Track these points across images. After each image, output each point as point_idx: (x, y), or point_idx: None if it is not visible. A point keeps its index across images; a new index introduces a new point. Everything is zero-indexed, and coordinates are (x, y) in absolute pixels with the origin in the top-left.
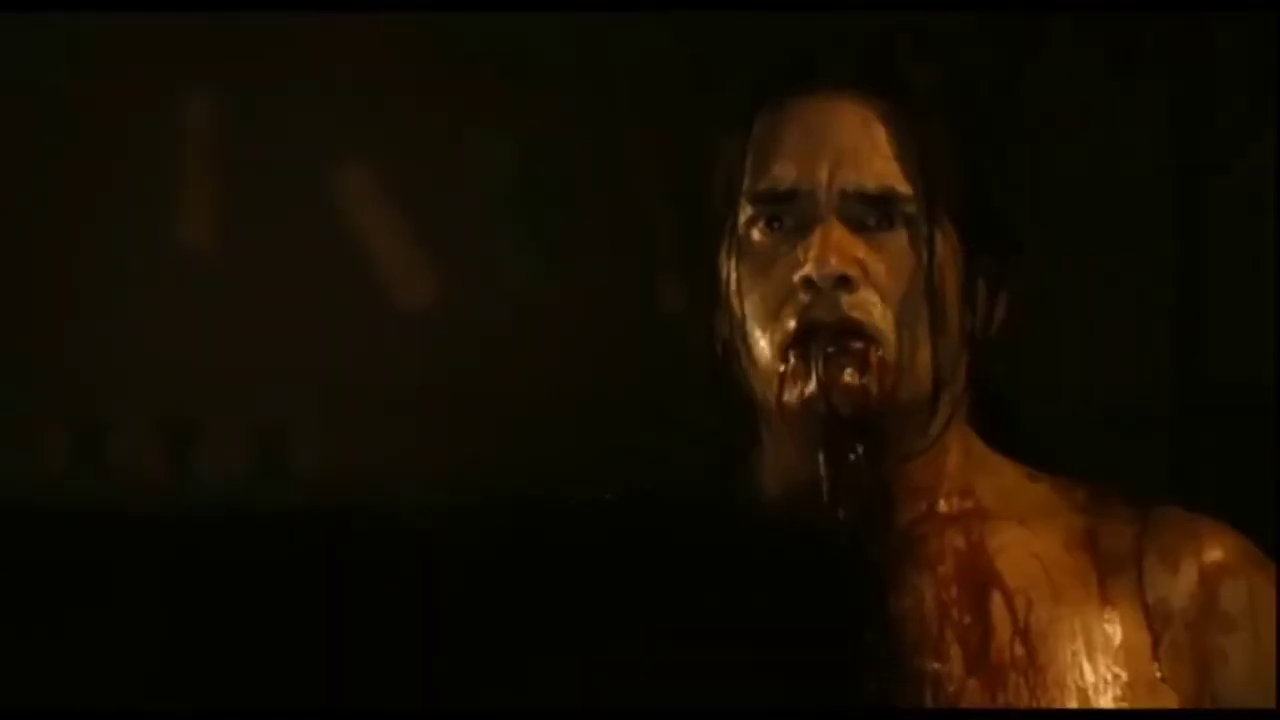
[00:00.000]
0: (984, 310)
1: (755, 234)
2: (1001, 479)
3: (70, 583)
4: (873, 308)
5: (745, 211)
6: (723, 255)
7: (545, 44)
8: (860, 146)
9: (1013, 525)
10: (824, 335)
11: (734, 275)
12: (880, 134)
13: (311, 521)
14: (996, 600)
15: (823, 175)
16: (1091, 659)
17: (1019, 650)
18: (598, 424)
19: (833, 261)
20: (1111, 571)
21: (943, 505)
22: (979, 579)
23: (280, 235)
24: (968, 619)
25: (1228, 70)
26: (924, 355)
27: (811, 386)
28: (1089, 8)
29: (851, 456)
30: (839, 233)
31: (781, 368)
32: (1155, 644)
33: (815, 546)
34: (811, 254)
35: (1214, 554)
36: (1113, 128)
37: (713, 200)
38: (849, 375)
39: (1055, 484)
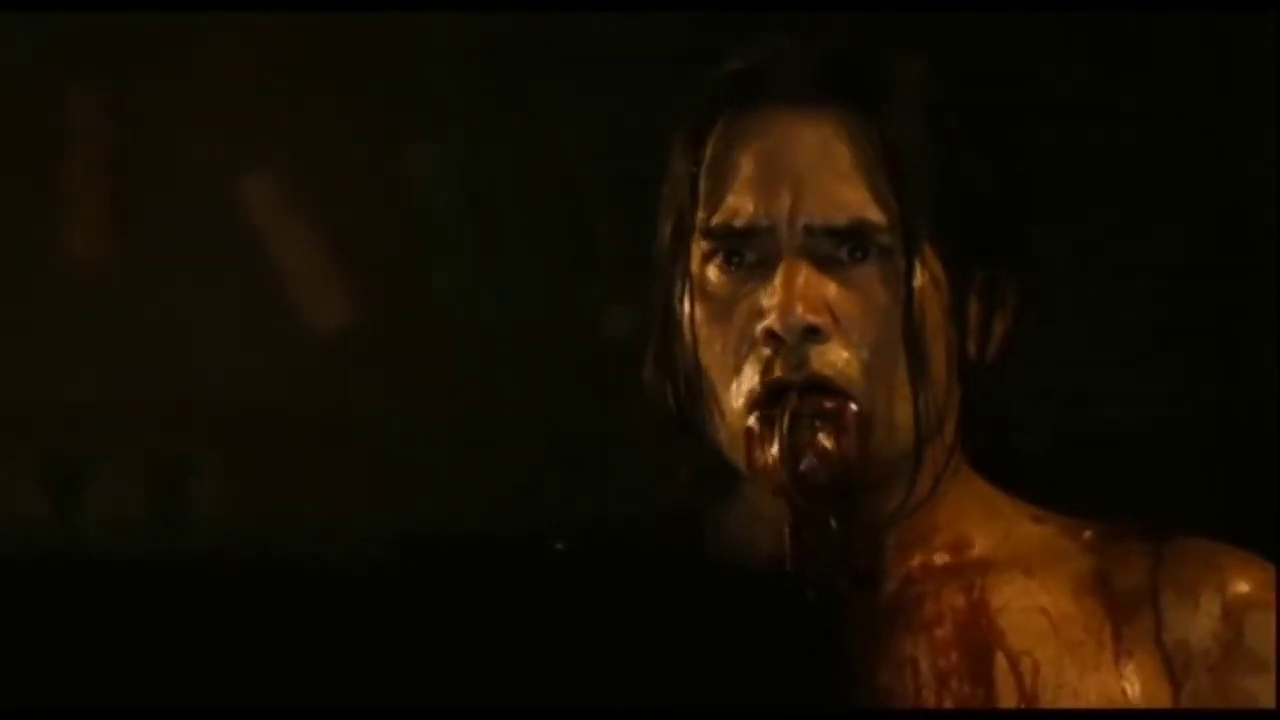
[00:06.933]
0: (978, 331)
1: (712, 272)
2: (1004, 523)
3: None
4: (843, 361)
5: (700, 246)
6: (678, 294)
7: (479, 45)
8: (823, 172)
9: (1017, 575)
10: (791, 395)
11: (693, 319)
12: (845, 153)
13: (212, 571)
14: (1000, 665)
15: (783, 209)
16: None
17: None
18: (536, 458)
19: (798, 311)
20: (1126, 617)
21: (938, 558)
22: (981, 641)
23: (179, 251)
24: (968, 689)
25: (1228, 70)
26: (904, 405)
27: (775, 450)
28: (1089, 7)
29: (824, 528)
30: (804, 274)
31: (748, 427)
32: (1175, 695)
33: (792, 615)
34: (775, 302)
35: (1239, 586)
36: (1112, 130)
37: (664, 232)
38: (822, 437)
39: (1063, 525)
